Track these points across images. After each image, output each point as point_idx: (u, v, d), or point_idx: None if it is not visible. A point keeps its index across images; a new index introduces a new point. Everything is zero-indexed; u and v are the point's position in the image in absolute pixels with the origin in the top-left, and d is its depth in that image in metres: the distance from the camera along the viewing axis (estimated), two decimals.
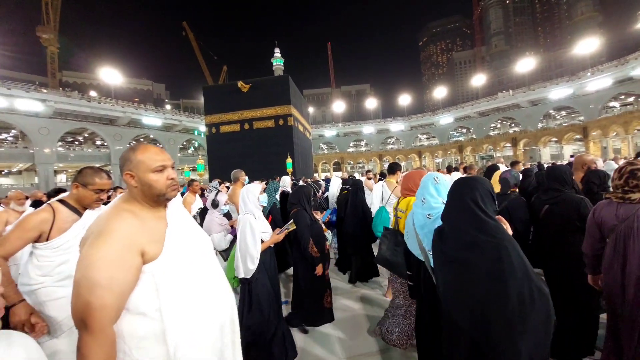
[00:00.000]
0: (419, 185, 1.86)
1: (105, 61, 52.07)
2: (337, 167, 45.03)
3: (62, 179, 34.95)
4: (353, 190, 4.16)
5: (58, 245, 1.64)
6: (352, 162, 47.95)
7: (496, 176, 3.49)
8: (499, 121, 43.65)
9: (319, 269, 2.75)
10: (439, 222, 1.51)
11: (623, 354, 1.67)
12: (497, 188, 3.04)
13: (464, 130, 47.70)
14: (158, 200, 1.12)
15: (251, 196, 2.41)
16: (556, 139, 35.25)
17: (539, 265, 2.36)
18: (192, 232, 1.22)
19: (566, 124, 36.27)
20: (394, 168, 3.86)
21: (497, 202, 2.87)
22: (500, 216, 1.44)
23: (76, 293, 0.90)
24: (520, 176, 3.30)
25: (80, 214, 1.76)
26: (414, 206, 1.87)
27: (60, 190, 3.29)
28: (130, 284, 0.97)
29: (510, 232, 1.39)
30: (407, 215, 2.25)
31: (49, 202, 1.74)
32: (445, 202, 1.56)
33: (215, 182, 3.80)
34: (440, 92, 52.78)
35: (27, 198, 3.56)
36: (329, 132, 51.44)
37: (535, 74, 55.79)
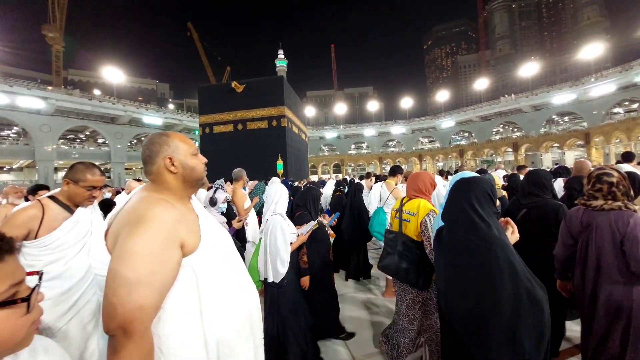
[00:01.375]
0: (446, 187, 1.78)
1: (111, 60, 52.71)
2: (337, 169, 44.94)
3: (62, 176, 35.22)
4: (351, 192, 4.29)
5: (47, 243, 1.55)
6: (352, 165, 47.81)
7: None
8: (501, 126, 43.35)
9: (304, 281, 2.42)
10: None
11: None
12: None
13: (466, 134, 47.45)
14: (197, 185, 1.10)
15: (283, 197, 2.31)
16: (558, 145, 34.91)
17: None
18: (216, 224, 1.18)
19: (568, 130, 35.94)
20: (395, 170, 4.03)
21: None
22: (507, 218, 1.44)
23: (111, 292, 0.77)
24: (500, 180, 3.26)
25: (71, 211, 1.67)
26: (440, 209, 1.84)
27: (40, 187, 3.23)
28: (171, 280, 0.88)
29: (516, 234, 1.39)
30: (418, 219, 2.05)
31: (38, 198, 1.65)
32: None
33: (221, 181, 3.72)
34: (442, 95, 52.59)
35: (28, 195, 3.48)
36: (330, 134, 51.39)
37: (540, 79, 55.49)
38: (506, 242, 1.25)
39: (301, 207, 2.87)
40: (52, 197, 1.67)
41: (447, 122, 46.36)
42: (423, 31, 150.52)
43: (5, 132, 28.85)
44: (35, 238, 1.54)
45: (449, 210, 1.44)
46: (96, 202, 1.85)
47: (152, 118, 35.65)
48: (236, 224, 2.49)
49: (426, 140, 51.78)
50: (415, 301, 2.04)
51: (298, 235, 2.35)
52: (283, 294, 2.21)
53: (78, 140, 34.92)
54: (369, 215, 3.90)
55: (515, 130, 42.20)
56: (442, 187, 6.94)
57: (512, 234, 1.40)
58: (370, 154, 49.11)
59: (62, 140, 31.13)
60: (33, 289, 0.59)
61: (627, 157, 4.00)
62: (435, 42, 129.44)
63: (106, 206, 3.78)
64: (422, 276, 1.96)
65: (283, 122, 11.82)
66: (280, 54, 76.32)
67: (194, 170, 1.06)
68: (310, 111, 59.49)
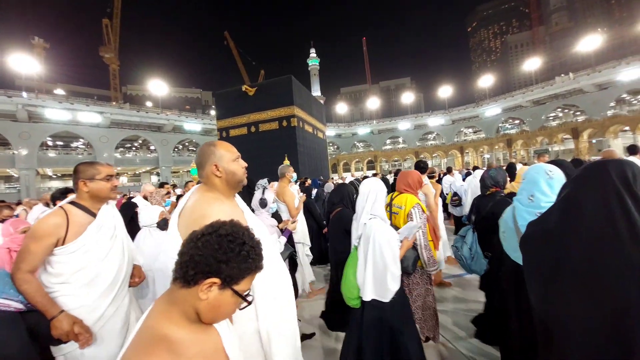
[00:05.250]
0: (525, 178, 1.64)
1: (160, 74, 57.91)
2: (371, 166, 43.78)
3: (123, 181, 39.53)
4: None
5: (74, 249, 1.55)
6: (386, 160, 46.19)
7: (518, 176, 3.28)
8: (559, 110, 38.18)
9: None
10: None
11: None
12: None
13: (517, 122, 42.77)
14: (237, 186, 1.34)
15: (380, 195, 1.98)
16: (628, 128, 29.52)
17: None
18: (255, 220, 1.38)
19: None
20: (422, 167, 3.95)
21: (477, 205, 2.54)
22: None
23: None
24: (506, 175, 2.81)
25: (94, 215, 1.65)
26: (517, 203, 1.63)
27: (69, 190, 3.27)
28: None
29: None
30: (405, 211, 2.36)
31: (60, 205, 1.64)
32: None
33: (264, 181, 3.67)
34: (487, 80, 48.05)
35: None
36: (362, 130, 50.27)
37: (605, 54, 47.68)
38: None
39: (337, 204, 2.87)
40: (72, 203, 1.64)
41: (492, 110, 42.23)
42: (465, 12, 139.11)
43: (74, 144, 33.30)
44: (63, 244, 1.53)
45: (585, 203, 1.01)
46: (116, 208, 1.83)
47: (192, 124, 38.31)
48: (291, 226, 2.37)
49: (470, 130, 47.88)
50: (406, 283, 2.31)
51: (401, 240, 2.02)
52: (393, 313, 1.86)
53: (133, 148, 38.96)
54: None
55: (578, 113, 36.83)
56: (463, 181, 6.24)
57: None
58: (406, 149, 46.88)
59: (121, 149, 35.04)
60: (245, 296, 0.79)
61: None
62: (481, 23, 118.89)
63: (129, 209, 3.93)
64: (410, 261, 2.11)
65: (293, 122, 11.74)
66: (312, 53, 76.70)
67: (234, 174, 1.31)
68: (342, 108, 58.85)
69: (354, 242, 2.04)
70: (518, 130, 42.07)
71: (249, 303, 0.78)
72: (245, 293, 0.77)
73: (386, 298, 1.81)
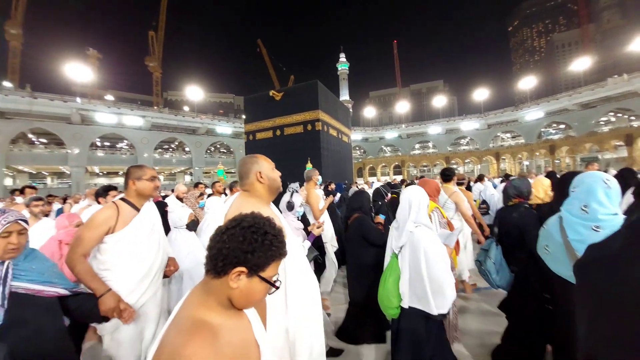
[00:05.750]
0: (578, 186, 1.51)
1: (198, 81, 61.44)
2: (398, 171, 42.67)
3: (160, 179, 42.21)
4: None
5: (120, 238, 1.77)
6: (414, 165, 44.77)
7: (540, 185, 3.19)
8: (611, 114, 34.65)
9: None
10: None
11: None
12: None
13: (562, 126, 39.45)
14: (276, 192, 1.52)
15: (424, 204, 1.95)
16: None
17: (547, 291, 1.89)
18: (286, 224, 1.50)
19: None
20: (449, 175, 3.87)
21: (500, 217, 2.55)
22: None
23: None
24: (530, 185, 2.65)
25: (138, 210, 1.90)
26: (566, 213, 1.51)
27: (110, 187, 3.60)
28: None
29: None
30: None
31: (113, 200, 1.91)
32: (617, 213, 1.35)
33: (296, 184, 3.71)
34: (529, 82, 44.94)
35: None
36: (390, 134, 49.20)
37: None
38: None
39: (356, 209, 2.92)
40: (122, 199, 1.90)
41: (533, 113, 39.31)
42: (506, 11, 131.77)
43: (119, 145, 36.17)
44: (112, 233, 1.77)
45: None
46: (154, 207, 2.06)
47: (223, 128, 39.94)
48: (316, 231, 2.43)
49: (508, 135, 44.99)
50: None
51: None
52: (435, 322, 1.84)
53: (170, 150, 41.46)
54: None
55: (633, 118, 33.17)
56: (494, 190, 5.87)
57: None
58: (436, 154, 45.10)
59: (159, 150, 37.45)
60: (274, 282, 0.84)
61: None
62: (524, 21, 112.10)
63: (160, 207, 4.17)
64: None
65: (317, 126, 11.78)
66: (342, 58, 76.86)
67: (275, 181, 1.50)
68: (370, 112, 58.18)
69: (394, 250, 1.98)
70: (563, 135, 38.78)
71: (277, 288, 0.83)
72: (274, 279, 0.82)
73: (444, 309, 1.75)
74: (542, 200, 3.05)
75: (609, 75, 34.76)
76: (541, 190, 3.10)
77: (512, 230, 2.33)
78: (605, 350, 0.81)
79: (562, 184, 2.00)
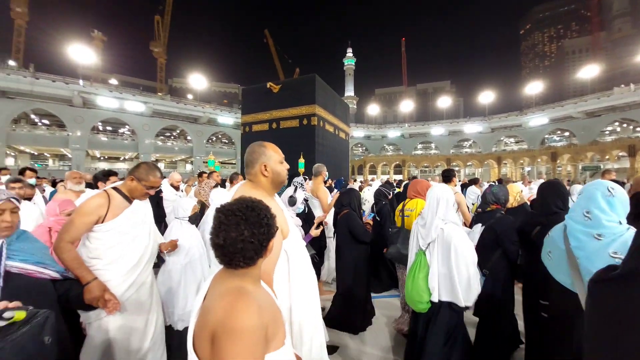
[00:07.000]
0: (581, 193, 1.53)
1: (203, 69, 60.95)
2: (398, 170, 42.55)
3: (161, 167, 42.37)
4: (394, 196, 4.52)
5: (111, 227, 1.75)
6: (415, 166, 44.60)
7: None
8: (617, 124, 34.29)
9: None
10: (615, 247, 1.23)
11: None
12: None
13: (566, 134, 39.11)
14: (279, 186, 1.48)
15: (451, 201, 2.02)
16: None
17: (533, 294, 2.00)
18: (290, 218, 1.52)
19: None
20: (449, 176, 3.97)
21: (476, 221, 2.66)
22: None
23: None
24: (508, 193, 2.74)
25: (130, 202, 1.89)
26: (569, 221, 1.51)
27: (111, 173, 3.55)
28: (278, 258, 1.26)
29: None
30: (416, 213, 2.63)
31: (104, 189, 1.90)
32: (621, 221, 1.33)
33: (301, 178, 3.65)
34: (535, 87, 44.42)
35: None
36: (393, 133, 48.95)
37: None
38: None
39: (345, 206, 3.04)
40: (115, 188, 1.87)
41: (537, 119, 38.97)
42: (519, 14, 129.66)
43: (121, 130, 36.21)
44: (102, 222, 1.75)
45: None
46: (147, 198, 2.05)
47: (225, 118, 39.81)
48: (314, 232, 2.47)
49: (512, 140, 44.64)
50: None
51: None
52: (461, 316, 1.99)
53: (171, 137, 41.49)
54: None
55: (638, 129, 32.84)
56: (475, 196, 5.86)
57: None
58: (437, 155, 44.89)
59: (161, 137, 37.45)
60: None
61: None
62: (536, 25, 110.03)
63: (155, 193, 4.14)
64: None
65: (313, 121, 11.69)
66: (349, 53, 76.25)
67: (279, 175, 1.43)
68: (374, 109, 57.81)
69: (421, 247, 2.04)
70: (566, 143, 38.45)
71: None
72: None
73: (470, 301, 1.87)
74: (511, 205, 3.27)
75: (616, 85, 34.31)
76: (511, 196, 3.15)
77: (488, 234, 2.37)
78: None
79: (545, 192, 2.09)
